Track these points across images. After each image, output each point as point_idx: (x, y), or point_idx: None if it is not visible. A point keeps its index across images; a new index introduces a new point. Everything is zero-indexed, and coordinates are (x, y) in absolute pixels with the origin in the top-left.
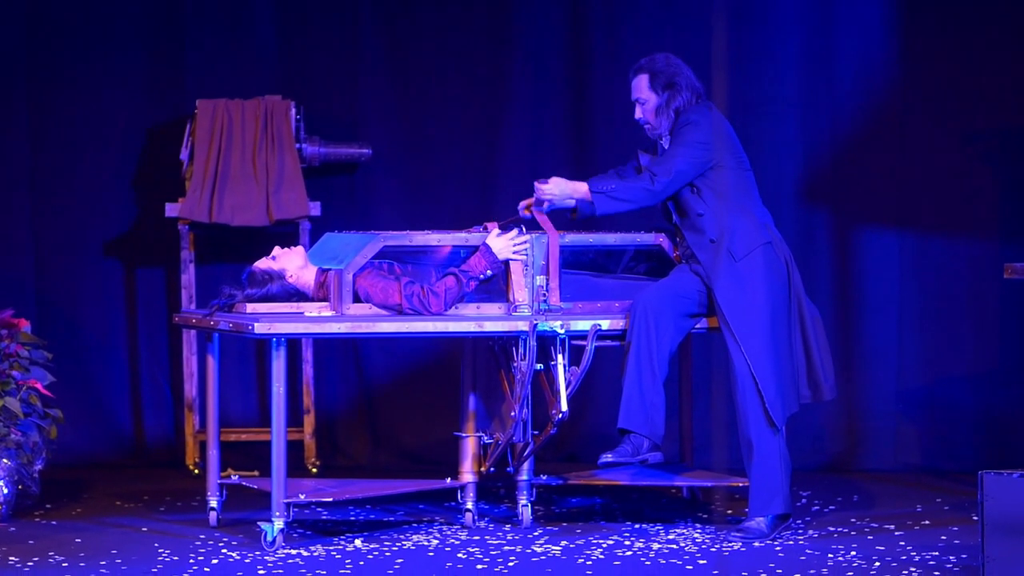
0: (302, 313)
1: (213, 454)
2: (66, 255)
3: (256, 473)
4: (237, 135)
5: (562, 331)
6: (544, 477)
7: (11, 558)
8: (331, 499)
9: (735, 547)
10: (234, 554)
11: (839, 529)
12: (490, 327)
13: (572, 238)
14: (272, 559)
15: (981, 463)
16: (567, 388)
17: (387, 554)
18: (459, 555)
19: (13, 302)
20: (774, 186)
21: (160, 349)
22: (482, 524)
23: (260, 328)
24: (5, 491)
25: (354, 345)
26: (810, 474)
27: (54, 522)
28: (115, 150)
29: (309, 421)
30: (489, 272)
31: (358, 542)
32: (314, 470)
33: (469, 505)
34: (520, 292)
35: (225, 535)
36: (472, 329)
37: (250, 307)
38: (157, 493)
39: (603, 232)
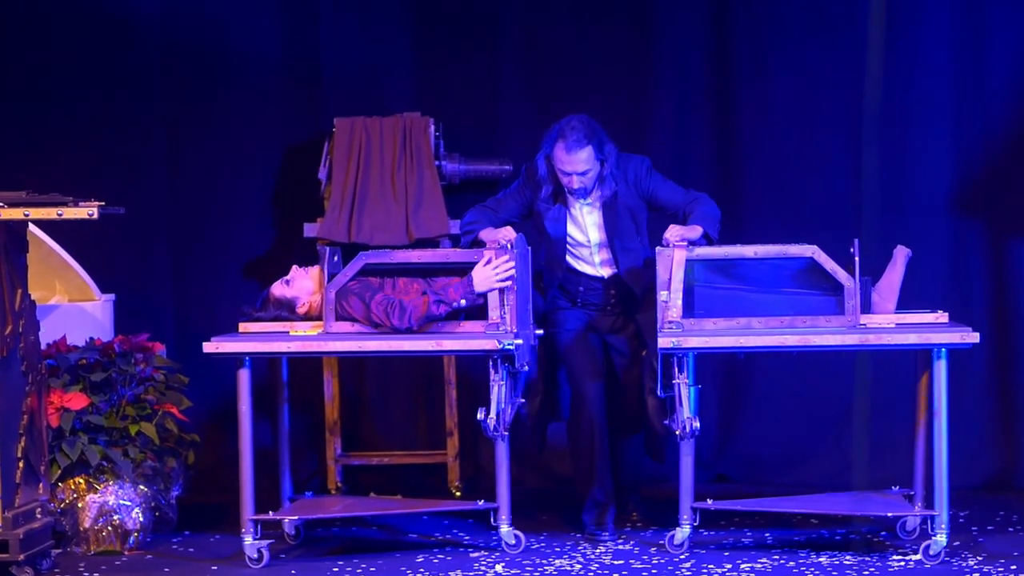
0: (287, 332)
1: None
2: (204, 276)
3: (398, 496)
4: (375, 153)
5: (511, 346)
6: (710, 502)
7: None
8: (296, 516)
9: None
10: None
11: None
12: (449, 346)
13: (702, 252)
14: None
15: None
16: (502, 410)
17: None
18: None
19: (151, 324)
20: (925, 196)
21: (299, 370)
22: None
23: (208, 347)
24: (142, 518)
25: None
26: (966, 492)
27: (191, 549)
28: (253, 170)
29: (452, 443)
30: (463, 302)
31: (499, 567)
32: (458, 493)
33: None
34: (494, 311)
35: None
36: (431, 348)
37: (242, 326)
38: (311, 520)
39: (742, 245)
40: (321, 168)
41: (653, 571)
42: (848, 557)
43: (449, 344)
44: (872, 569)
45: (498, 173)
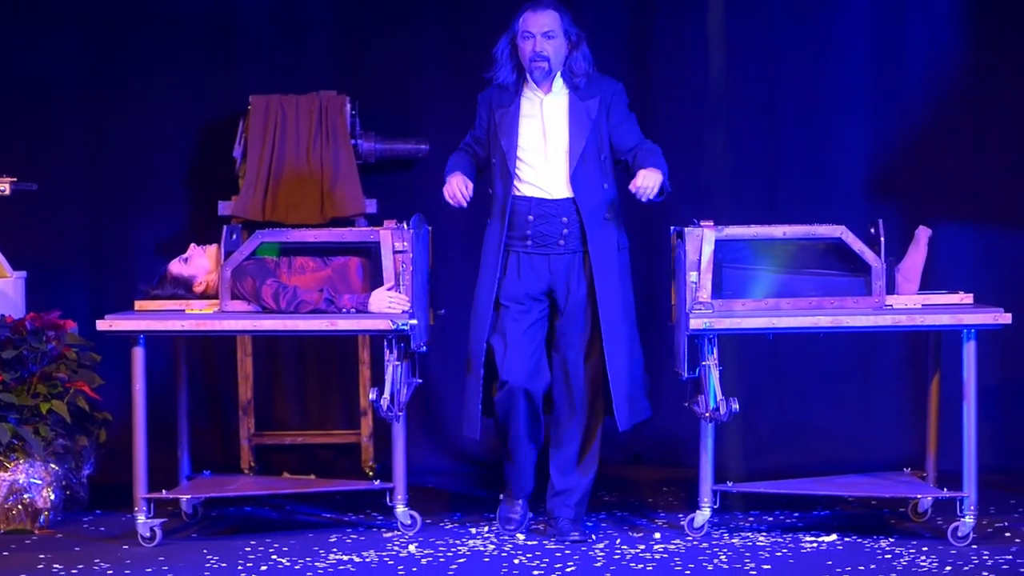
0: (183, 310)
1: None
2: (118, 254)
3: (312, 476)
4: (291, 131)
5: (406, 327)
6: (730, 484)
7: (55, 565)
8: (188, 495)
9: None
10: (284, 560)
11: None
12: (343, 325)
13: (732, 231)
14: (323, 564)
15: None
16: (397, 391)
17: (441, 560)
18: (516, 561)
19: (64, 302)
20: (843, 179)
21: (215, 350)
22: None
23: (102, 325)
24: (52, 497)
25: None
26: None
27: (102, 528)
28: (168, 148)
29: (366, 423)
30: (352, 310)
31: (412, 547)
32: (371, 473)
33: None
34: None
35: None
36: (325, 328)
37: (138, 304)
38: (210, 499)
39: (771, 225)
40: (236, 146)
41: (566, 551)
42: (849, 539)
43: (343, 324)
44: (903, 551)
45: (414, 152)
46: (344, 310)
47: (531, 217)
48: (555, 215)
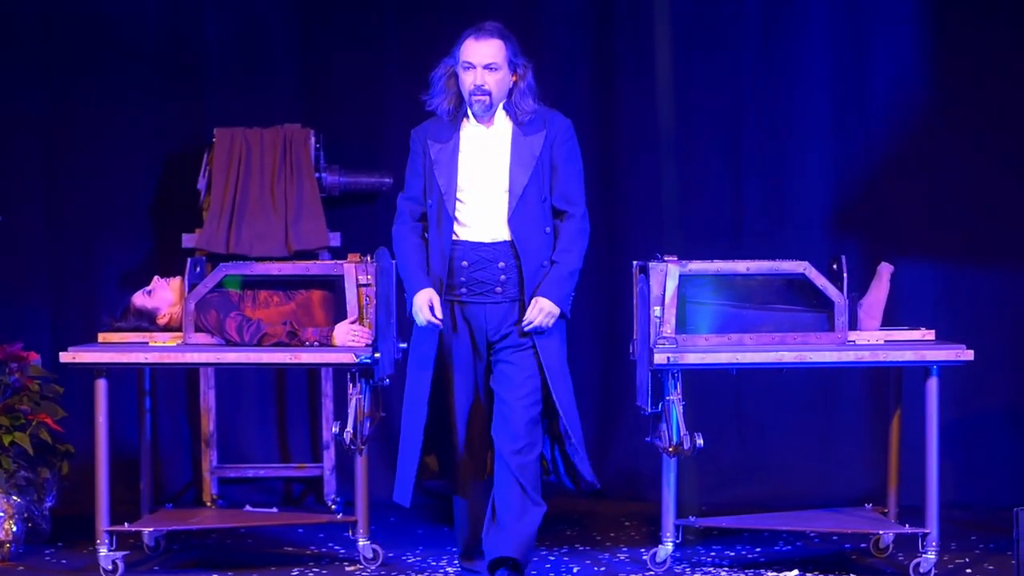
0: (147, 342)
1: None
2: (82, 285)
3: (275, 509)
4: (255, 164)
5: (369, 360)
6: (692, 518)
7: None
8: (151, 528)
9: None
10: None
11: None
12: (306, 358)
13: (696, 267)
14: None
15: (1017, 500)
16: (359, 424)
17: None
18: None
19: (28, 334)
20: (804, 212)
21: (178, 382)
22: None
23: (65, 357)
24: (14, 529)
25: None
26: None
27: (64, 561)
28: (132, 180)
29: (329, 456)
30: (315, 343)
31: None
32: (333, 506)
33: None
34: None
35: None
36: (288, 360)
37: (102, 336)
38: (172, 532)
39: (735, 260)
40: (200, 178)
41: None
42: (810, 575)
43: (306, 357)
44: None
45: (378, 185)
46: (307, 343)
47: (466, 263)
48: (491, 260)
